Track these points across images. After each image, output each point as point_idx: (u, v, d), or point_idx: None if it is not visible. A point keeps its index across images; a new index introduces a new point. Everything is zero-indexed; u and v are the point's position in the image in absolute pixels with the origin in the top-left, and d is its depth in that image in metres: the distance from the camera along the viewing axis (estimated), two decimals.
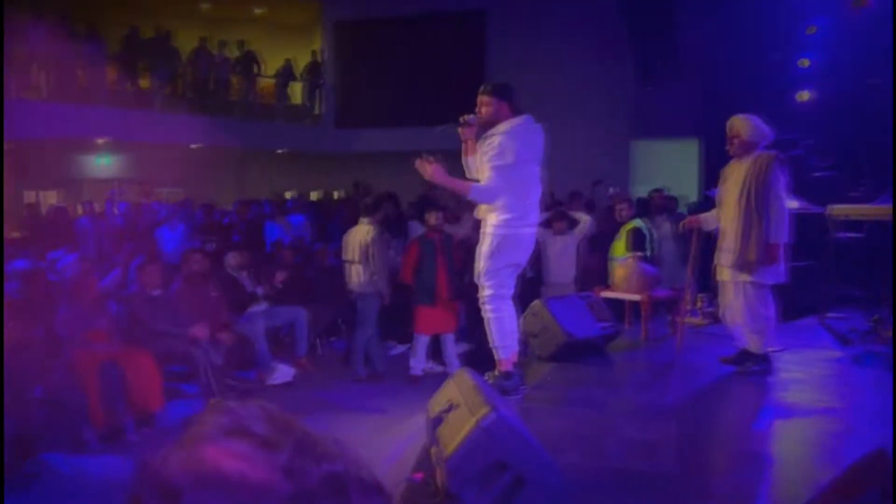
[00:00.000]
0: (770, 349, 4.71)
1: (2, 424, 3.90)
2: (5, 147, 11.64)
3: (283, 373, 6.67)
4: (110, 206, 11.13)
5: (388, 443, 4.10)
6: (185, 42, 14.20)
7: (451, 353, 6.73)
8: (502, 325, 4.03)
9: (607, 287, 6.23)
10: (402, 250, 7.26)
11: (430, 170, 3.86)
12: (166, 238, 8.53)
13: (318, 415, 5.78)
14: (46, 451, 4.76)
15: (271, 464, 0.58)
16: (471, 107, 4.06)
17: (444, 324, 6.64)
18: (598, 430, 3.68)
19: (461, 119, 4.05)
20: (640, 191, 10.23)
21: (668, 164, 12.24)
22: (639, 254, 6.23)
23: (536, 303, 5.34)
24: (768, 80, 9.03)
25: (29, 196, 15.00)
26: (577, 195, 8.20)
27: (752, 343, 4.64)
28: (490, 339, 4.10)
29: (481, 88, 4.02)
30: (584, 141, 12.10)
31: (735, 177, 4.56)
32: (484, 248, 3.98)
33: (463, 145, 4.16)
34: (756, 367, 4.63)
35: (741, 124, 4.53)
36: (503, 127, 3.87)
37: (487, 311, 4.02)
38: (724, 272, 4.67)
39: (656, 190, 8.25)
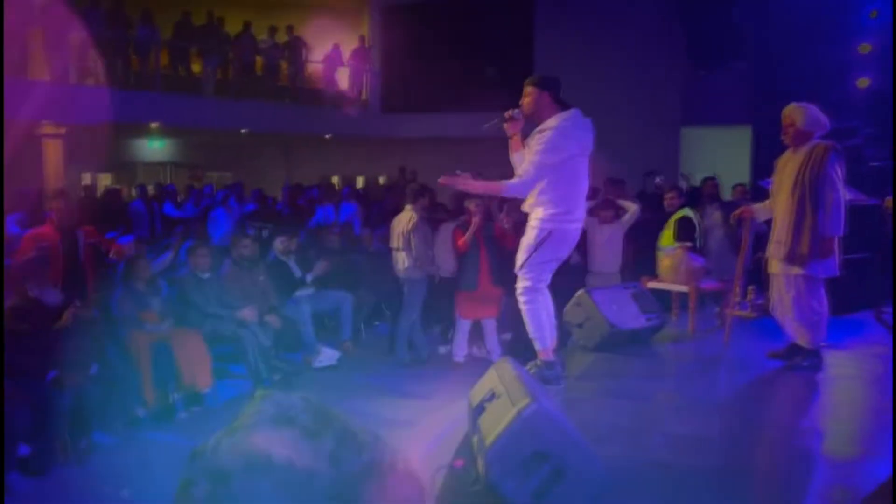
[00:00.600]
0: (821, 344, 4.59)
1: (1, 419, 3.91)
2: (63, 130, 12.02)
3: (327, 356, 6.77)
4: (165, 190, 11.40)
5: (429, 428, 4.14)
6: (236, 28, 14.40)
7: (493, 339, 6.74)
8: (538, 316, 4.03)
9: (654, 277, 6.16)
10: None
11: (458, 181, 3.87)
12: (220, 221, 8.71)
13: (362, 398, 5.87)
14: (100, 428, 4.93)
15: (316, 452, 0.62)
16: (518, 92, 4.02)
17: (485, 310, 6.65)
18: (641, 424, 3.65)
19: (506, 114, 4.01)
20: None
21: (719, 153, 11.97)
22: (687, 244, 6.12)
23: (581, 293, 5.31)
24: (826, 66, 8.74)
25: (85, 178, 15.48)
26: (619, 182, 8.09)
27: (802, 337, 4.53)
28: (528, 330, 4.10)
29: (526, 80, 3.98)
30: (633, 127, 11.91)
31: (790, 167, 4.44)
32: (528, 240, 3.96)
33: (509, 141, 4.11)
34: (805, 362, 4.53)
35: (797, 113, 4.41)
36: (553, 122, 3.83)
37: (523, 303, 4.02)
38: (775, 264, 4.56)
39: (708, 178, 8.07)
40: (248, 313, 6.00)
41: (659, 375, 4.72)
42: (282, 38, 15.04)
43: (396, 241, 6.73)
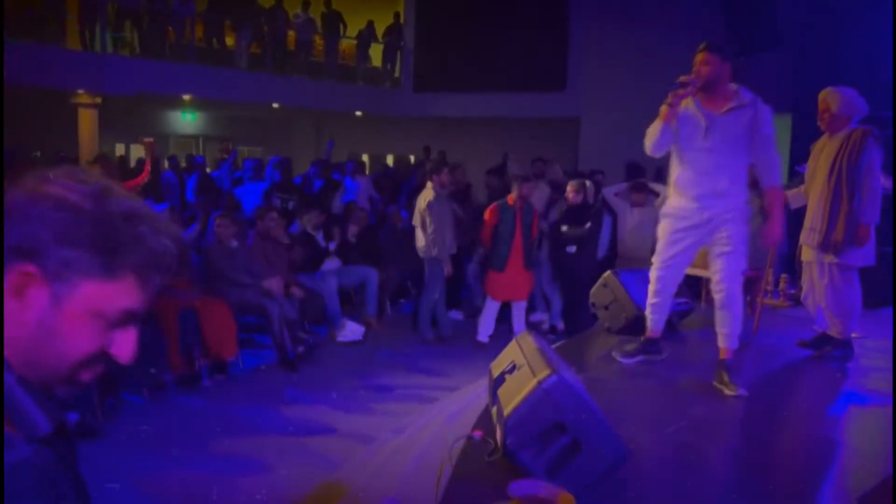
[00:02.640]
0: (853, 335, 4.50)
1: (1, 418, 4.01)
2: (98, 100, 12.16)
3: (352, 330, 6.80)
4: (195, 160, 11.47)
5: (450, 403, 4.14)
6: (270, 2, 14.42)
7: (520, 321, 6.71)
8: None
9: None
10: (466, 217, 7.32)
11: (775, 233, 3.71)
12: (250, 192, 8.76)
13: (385, 374, 5.90)
14: (128, 391, 5.02)
15: (84, 192, 0.86)
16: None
17: (515, 291, 6.62)
18: (663, 406, 3.62)
19: (680, 79, 3.69)
20: None
21: None
22: None
23: (608, 274, 5.26)
24: (867, 53, 8.49)
25: (119, 149, 15.69)
26: (639, 167, 8.00)
27: (834, 327, 4.44)
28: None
29: (701, 46, 3.69)
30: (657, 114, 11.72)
31: (826, 153, 4.33)
32: (742, 232, 3.79)
33: (665, 109, 3.75)
34: (836, 351, 4.43)
35: (832, 97, 4.28)
36: (750, 97, 3.63)
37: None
38: (809, 252, 4.46)
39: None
40: (273, 284, 6.04)
41: (684, 360, 4.65)
42: (317, 11, 15.02)
43: (416, 218, 6.73)
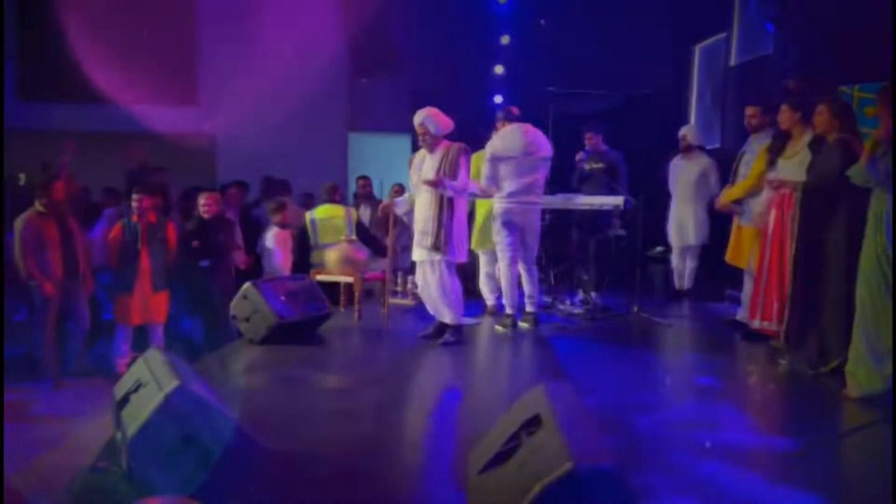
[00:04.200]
0: (461, 320, 5.13)
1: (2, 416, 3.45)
2: None
3: None
4: None
5: (74, 440, 3.71)
6: None
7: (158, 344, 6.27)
8: None
9: (321, 269, 6.31)
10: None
11: None
12: None
13: None
14: None
15: None
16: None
17: (147, 315, 6.17)
18: (303, 405, 3.72)
19: None
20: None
21: (382, 157, 12.70)
22: (352, 237, 6.41)
23: (247, 286, 5.23)
24: (469, 85, 9.87)
25: None
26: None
27: (446, 316, 5.03)
28: None
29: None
30: (300, 131, 12.05)
31: (428, 165, 5.03)
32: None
33: None
34: (452, 337, 5.03)
35: (427, 121, 5.00)
36: None
37: None
38: (420, 252, 5.04)
39: (362, 177, 8.73)
40: None
41: (322, 361, 4.87)
42: None
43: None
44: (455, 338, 5.03)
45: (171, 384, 2.30)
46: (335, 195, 7.19)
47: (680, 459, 2.91)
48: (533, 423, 1.99)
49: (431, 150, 5.04)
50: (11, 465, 4.08)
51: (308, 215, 6.86)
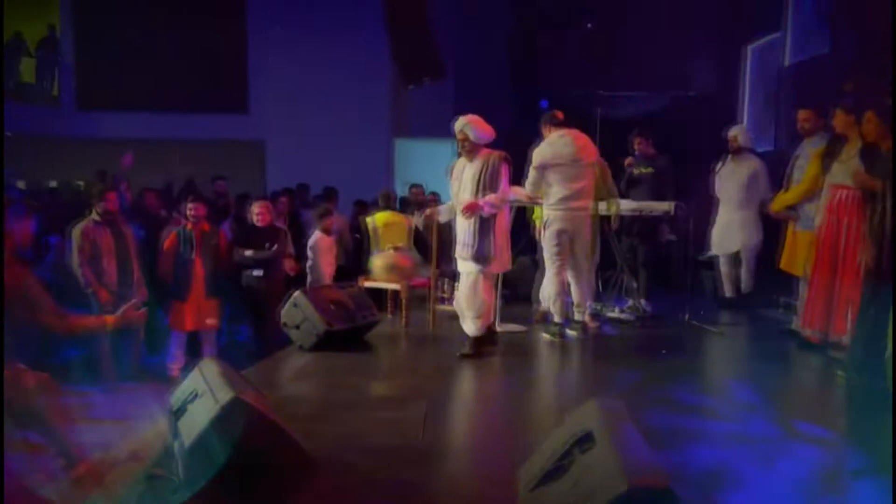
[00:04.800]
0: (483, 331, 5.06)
1: (1, 417, 3.17)
2: None
3: None
4: None
5: (130, 445, 3.81)
6: None
7: (210, 350, 6.42)
8: None
9: (369, 276, 6.35)
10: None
11: None
12: None
13: None
14: None
15: None
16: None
17: (200, 321, 6.31)
18: (351, 412, 3.76)
19: None
20: (404, 188, 10.52)
21: (427, 162, 12.77)
22: (393, 245, 6.44)
23: (297, 294, 5.31)
24: (515, 88, 9.82)
25: None
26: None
27: (469, 326, 5.00)
28: None
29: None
30: (346, 137, 12.19)
31: (467, 174, 4.98)
32: None
33: None
34: (470, 350, 4.95)
35: (467, 128, 4.93)
36: None
37: None
38: (460, 264, 5.02)
39: (414, 185, 8.67)
40: None
41: (370, 369, 4.90)
42: None
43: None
44: (474, 350, 4.97)
45: (226, 396, 2.35)
46: (393, 202, 7.23)
47: (738, 476, 2.85)
48: (585, 440, 1.97)
49: (471, 158, 4.97)
50: (70, 469, 4.24)
51: (369, 221, 6.87)
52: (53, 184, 15.33)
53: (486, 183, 4.84)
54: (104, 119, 13.95)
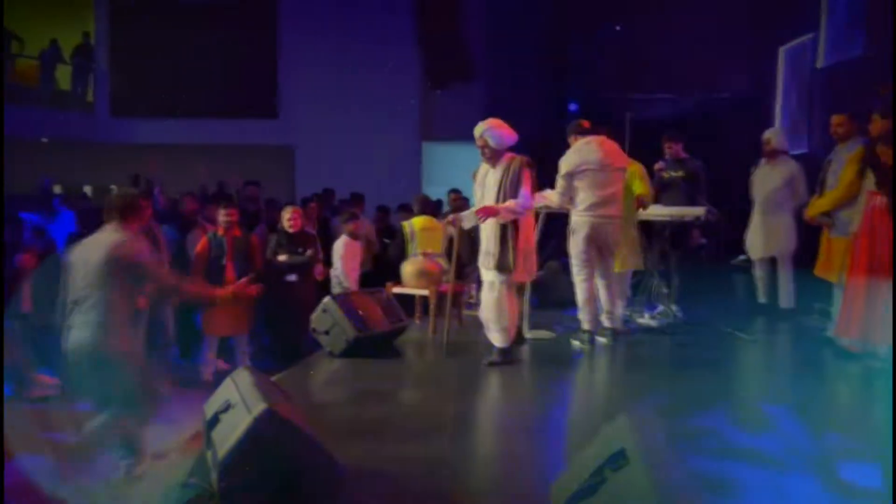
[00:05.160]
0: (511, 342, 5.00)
1: (2, 420, 3.72)
2: None
3: (44, 384, 6.01)
4: None
5: (164, 450, 3.86)
6: None
7: (242, 355, 6.49)
8: None
9: (398, 282, 6.37)
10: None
11: None
12: None
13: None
14: None
15: None
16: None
17: (232, 326, 6.38)
18: (382, 423, 3.76)
19: None
20: (432, 191, 10.54)
21: (456, 166, 12.79)
22: (428, 251, 6.44)
23: (327, 300, 5.34)
24: (545, 92, 9.78)
25: None
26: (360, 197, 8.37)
27: (496, 338, 4.94)
28: None
29: None
30: (375, 141, 12.25)
31: (490, 180, 4.91)
32: None
33: None
34: (499, 358, 4.92)
35: (487, 134, 4.84)
36: None
37: None
38: (483, 273, 4.97)
39: (453, 190, 8.63)
40: None
41: (399, 375, 4.91)
42: None
43: None
44: (502, 359, 4.91)
45: (259, 407, 2.36)
46: (430, 207, 7.23)
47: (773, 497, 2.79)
48: (618, 458, 1.94)
49: (493, 163, 4.89)
50: (102, 472, 4.30)
51: (407, 225, 6.88)
52: (88, 188, 15.64)
53: (507, 189, 4.76)
54: (137, 125, 14.20)
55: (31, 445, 4.88)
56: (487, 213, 4.76)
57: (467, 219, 5.07)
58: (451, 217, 5.54)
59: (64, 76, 14.69)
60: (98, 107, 14.69)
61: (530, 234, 5.03)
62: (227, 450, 2.29)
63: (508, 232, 4.77)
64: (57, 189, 14.73)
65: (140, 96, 14.29)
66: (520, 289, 5.22)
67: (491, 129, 4.82)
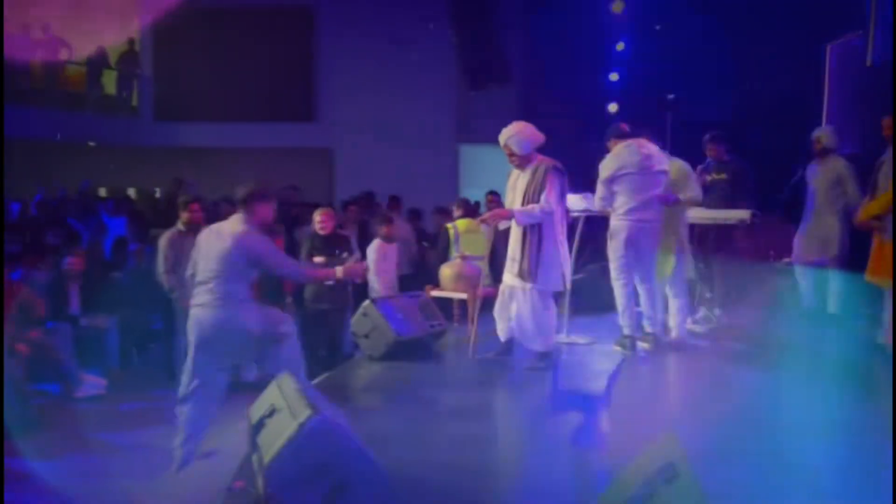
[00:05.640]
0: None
1: (2, 425, 4.02)
2: None
3: (92, 384, 6.15)
4: None
5: (208, 453, 3.91)
6: None
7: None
8: None
9: (437, 286, 6.36)
10: None
11: None
12: None
13: (132, 427, 5.41)
14: None
15: None
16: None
17: None
18: (425, 428, 3.75)
19: None
20: (470, 194, 10.52)
21: (493, 168, 12.76)
22: (466, 254, 6.43)
23: (367, 303, 5.37)
24: (582, 92, 9.69)
25: None
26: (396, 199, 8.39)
27: (537, 344, 4.89)
28: None
29: None
30: (413, 144, 12.27)
31: (519, 186, 4.87)
32: None
33: None
34: (541, 363, 4.90)
35: (511, 141, 4.78)
36: None
37: None
38: (507, 277, 4.90)
39: (491, 192, 8.56)
40: None
41: (438, 380, 4.89)
42: (36, 36, 13.56)
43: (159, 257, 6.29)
44: (545, 364, 4.88)
45: (304, 413, 2.38)
46: (472, 209, 7.22)
47: None
48: (668, 470, 1.90)
49: (523, 168, 4.83)
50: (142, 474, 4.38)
51: (451, 228, 6.88)
52: (132, 191, 15.98)
53: (532, 195, 4.70)
54: (179, 128, 14.46)
55: (81, 444, 5.00)
56: (499, 216, 4.76)
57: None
58: (482, 216, 5.48)
59: (110, 82, 15.01)
60: (142, 111, 15.00)
61: (559, 241, 4.85)
62: (273, 455, 2.31)
63: (533, 238, 4.69)
64: (102, 192, 15.09)
65: (182, 100, 14.55)
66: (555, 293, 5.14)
67: (514, 136, 4.77)
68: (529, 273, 4.68)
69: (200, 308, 3.92)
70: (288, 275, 4.56)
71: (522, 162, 4.81)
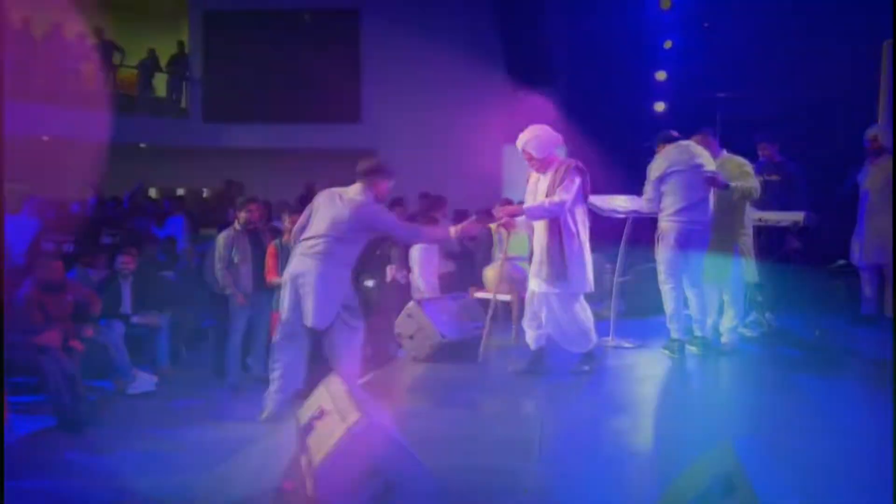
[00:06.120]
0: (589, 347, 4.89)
1: (2, 428, 4.01)
2: None
3: (144, 381, 6.30)
4: None
5: (257, 452, 3.97)
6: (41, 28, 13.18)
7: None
8: None
9: (481, 287, 6.36)
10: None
11: None
12: (13, 234, 7.82)
13: (182, 424, 5.51)
14: None
15: None
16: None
17: None
18: (469, 431, 3.75)
19: None
20: (514, 195, 10.47)
21: None
22: (511, 255, 6.39)
23: (411, 304, 5.38)
24: (628, 92, 9.55)
25: None
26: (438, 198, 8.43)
27: (576, 347, 4.82)
28: None
29: None
30: (454, 145, 12.27)
31: (540, 188, 4.78)
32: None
33: None
34: (585, 366, 4.85)
35: (530, 146, 4.71)
36: None
37: None
38: (533, 282, 4.82)
39: (506, 199, 8.51)
40: (50, 338, 5.44)
41: (482, 382, 4.87)
42: (91, 42, 13.97)
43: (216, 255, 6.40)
44: (590, 366, 4.84)
45: (352, 416, 2.39)
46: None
47: None
48: (724, 482, 1.86)
49: (543, 171, 4.75)
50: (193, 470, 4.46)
51: (494, 228, 6.86)
52: (181, 191, 16.33)
53: (550, 196, 4.62)
54: (227, 130, 14.71)
55: (134, 439, 5.12)
56: (512, 213, 4.77)
57: (522, 226, 5.03)
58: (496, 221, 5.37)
59: (160, 84, 15.36)
60: (191, 112, 15.30)
61: (582, 242, 4.72)
62: (322, 457, 2.33)
63: (556, 240, 4.60)
64: (152, 192, 15.45)
65: (230, 102, 14.81)
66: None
67: (531, 140, 4.70)
68: (558, 276, 4.59)
69: (303, 256, 4.31)
70: (404, 236, 4.96)
71: (542, 165, 4.74)
